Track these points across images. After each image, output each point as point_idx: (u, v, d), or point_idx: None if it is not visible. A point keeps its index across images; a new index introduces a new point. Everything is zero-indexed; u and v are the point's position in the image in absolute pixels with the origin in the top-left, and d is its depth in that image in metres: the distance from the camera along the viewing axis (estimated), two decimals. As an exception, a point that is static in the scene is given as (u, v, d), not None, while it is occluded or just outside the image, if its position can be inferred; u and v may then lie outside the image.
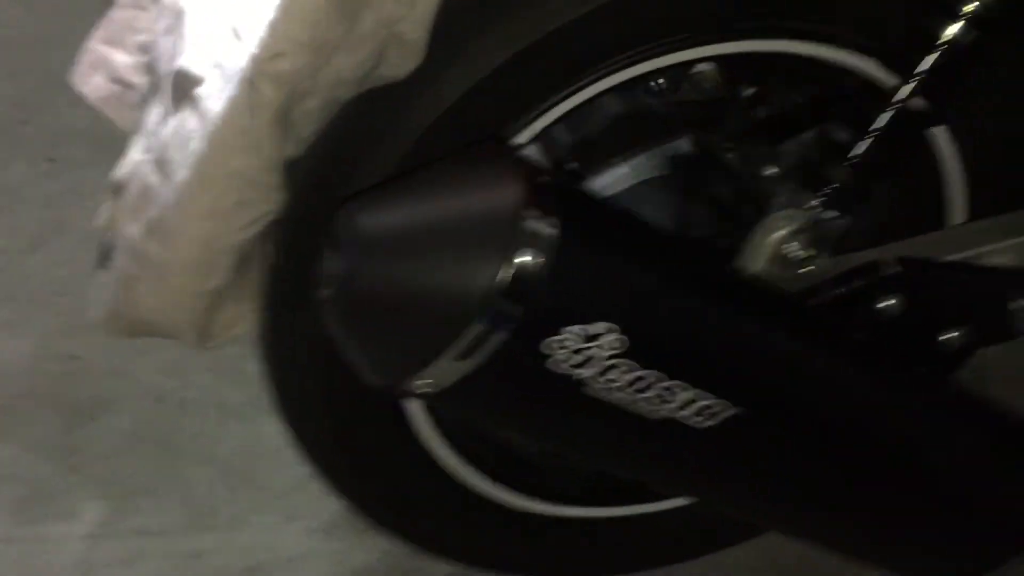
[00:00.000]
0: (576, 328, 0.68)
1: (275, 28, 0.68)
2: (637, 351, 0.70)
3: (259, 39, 0.69)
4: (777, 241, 0.87)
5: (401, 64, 0.76)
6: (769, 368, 0.76)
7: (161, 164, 0.77)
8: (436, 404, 0.74)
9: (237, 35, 0.72)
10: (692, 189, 1.05)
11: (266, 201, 0.76)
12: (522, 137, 0.89)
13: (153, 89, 0.90)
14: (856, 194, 0.86)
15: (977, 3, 0.78)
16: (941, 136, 0.95)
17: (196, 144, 0.73)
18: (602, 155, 1.05)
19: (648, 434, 0.74)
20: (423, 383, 0.70)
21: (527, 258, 0.65)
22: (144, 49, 0.96)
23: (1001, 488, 0.88)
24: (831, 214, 0.86)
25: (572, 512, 1.12)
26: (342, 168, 0.82)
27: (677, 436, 0.75)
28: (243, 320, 0.86)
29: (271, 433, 1.41)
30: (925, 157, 0.97)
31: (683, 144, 1.08)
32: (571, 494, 1.13)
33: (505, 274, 0.65)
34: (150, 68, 0.93)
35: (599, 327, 0.69)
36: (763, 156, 1.07)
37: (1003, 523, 0.89)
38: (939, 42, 0.80)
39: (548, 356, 0.68)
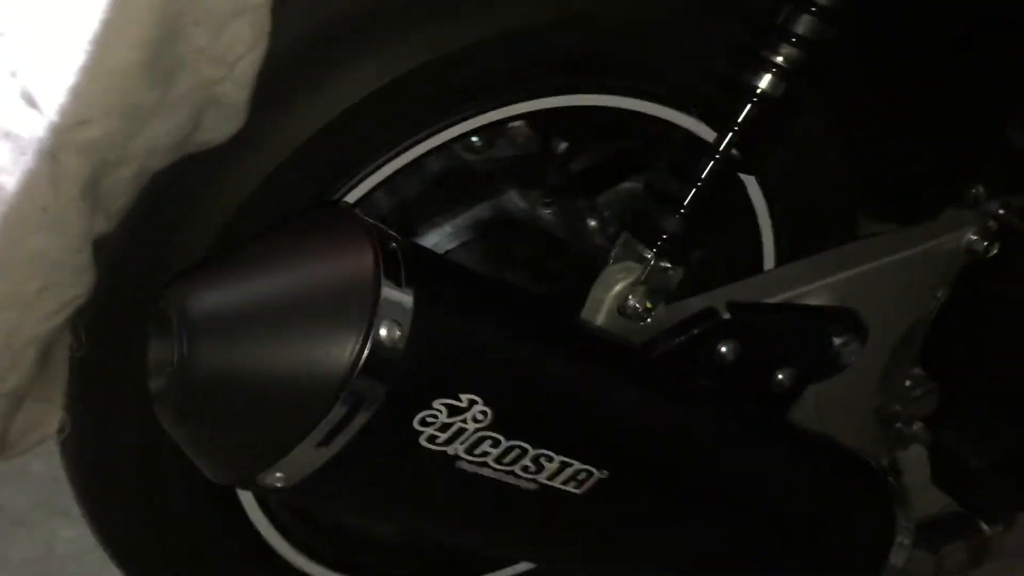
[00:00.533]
0: (442, 401, 0.63)
1: (79, 93, 0.60)
2: (501, 422, 0.66)
3: (60, 105, 0.61)
4: (617, 295, 0.86)
5: (220, 128, 0.69)
6: (626, 428, 0.74)
7: (-61, 252, 0.66)
8: (290, 497, 0.67)
9: (30, 101, 0.63)
10: (513, 248, 1.04)
11: (73, 285, 0.66)
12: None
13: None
14: (688, 242, 0.86)
15: (782, 56, 0.81)
16: (750, 183, 0.99)
17: (-13, 225, 0.63)
18: (423, 216, 1.02)
19: (523, 504, 0.70)
20: (278, 476, 0.63)
21: (386, 332, 0.60)
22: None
23: (843, 516, 0.90)
24: (666, 264, 0.86)
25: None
26: (159, 243, 0.75)
27: (551, 505, 0.71)
28: (45, 424, 0.75)
29: (66, 539, 1.28)
30: (739, 204, 1.00)
31: (507, 200, 1.06)
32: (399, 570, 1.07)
33: (365, 349, 0.60)
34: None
35: (463, 399, 0.64)
36: (582, 209, 1.08)
37: (848, 549, 0.91)
38: (753, 94, 0.82)
39: (419, 433, 0.63)
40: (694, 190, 0.84)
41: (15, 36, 0.66)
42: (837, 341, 0.95)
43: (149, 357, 0.65)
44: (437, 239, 1.01)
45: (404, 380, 0.61)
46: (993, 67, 1.00)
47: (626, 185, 1.05)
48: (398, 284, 0.61)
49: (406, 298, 0.61)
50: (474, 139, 1.06)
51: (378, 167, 0.84)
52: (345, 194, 0.83)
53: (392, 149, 0.84)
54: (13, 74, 0.65)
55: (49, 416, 0.76)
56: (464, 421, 0.65)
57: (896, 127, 1.03)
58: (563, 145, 1.08)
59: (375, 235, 0.63)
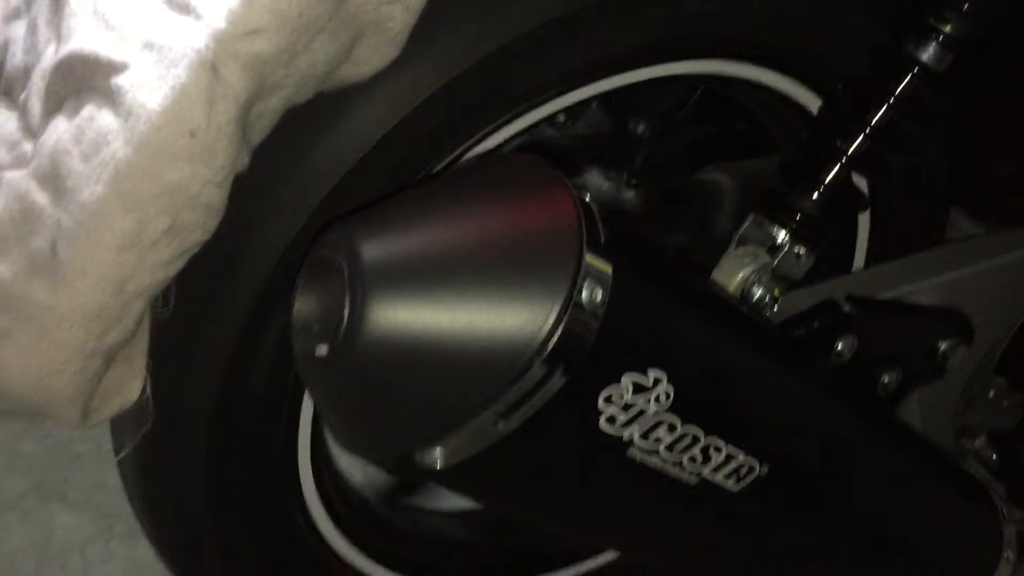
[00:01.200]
0: (631, 376, 0.56)
1: (253, -3, 0.52)
2: (681, 403, 0.60)
3: (229, 10, 0.52)
4: (742, 280, 0.80)
5: (370, 60, 0.62)
6: (793, 421, 0.69)
7: (51, 179, 0.56)
8: (441, 480, 0.59)
9: (183, 6, 0.54)
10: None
11: (201, 227, 0.58)
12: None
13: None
14: (822, 227, 0.81)
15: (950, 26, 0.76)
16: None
17: (116, 149, 0.54)
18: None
19: (682, 499, 0.63)
20: (439, 453, 0.55)
21: (587, 295, 0.53)
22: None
23: (958, 528, 0.86)
24: (799, 249, 0.80)
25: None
26: (275, 189, 0.66)
27: (707, 500, 0.65)
28: (126, 389, 0.66)
29: (63, 526, 1.17)
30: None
31: (589, 178, 1.00)
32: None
33: (566, 312, 0.53)
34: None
35: (651, 376, 0.57)
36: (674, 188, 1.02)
37: (961, 562, 0.86)
38: (916, 65, 0.77)
39: (600, 413, 0.56)
40: (837, 166, 0.79)
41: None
42: (943, 344, 0.90)
43: (297, 313, 0.57)
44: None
45: (599, 349, 0.54)
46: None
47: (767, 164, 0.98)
48: (599, 247, 0.54)
49: (606, 263, 0.54)
50: (559, 116, 0.99)
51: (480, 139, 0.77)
52: (461, 154, 0.76)
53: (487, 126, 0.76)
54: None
55: (131, 381, 0.66)
56: (647, 401, 0.58)
57: (998, 131, 1.00)
58: (641, 126, 1.02)
59: (575, 192, 0.56)
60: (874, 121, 0.78)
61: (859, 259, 1.00)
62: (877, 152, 0.79)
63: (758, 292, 0.80)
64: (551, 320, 0.52)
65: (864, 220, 0.98)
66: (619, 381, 0.56)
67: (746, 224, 0.82)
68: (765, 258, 0.80)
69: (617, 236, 0.57)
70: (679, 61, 0.81)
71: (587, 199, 0.57)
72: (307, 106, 0.62)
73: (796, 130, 0.88)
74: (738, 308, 0.72)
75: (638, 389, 0.57)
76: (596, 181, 1.00)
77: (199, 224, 0.57)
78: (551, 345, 0.53)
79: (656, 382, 0.58)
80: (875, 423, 0.78)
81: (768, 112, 0.90)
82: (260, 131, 0.59)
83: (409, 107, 0.68)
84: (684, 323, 0.60)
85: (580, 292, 0.53)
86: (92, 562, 1.15)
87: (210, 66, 0.52)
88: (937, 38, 0.76)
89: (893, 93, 0.78)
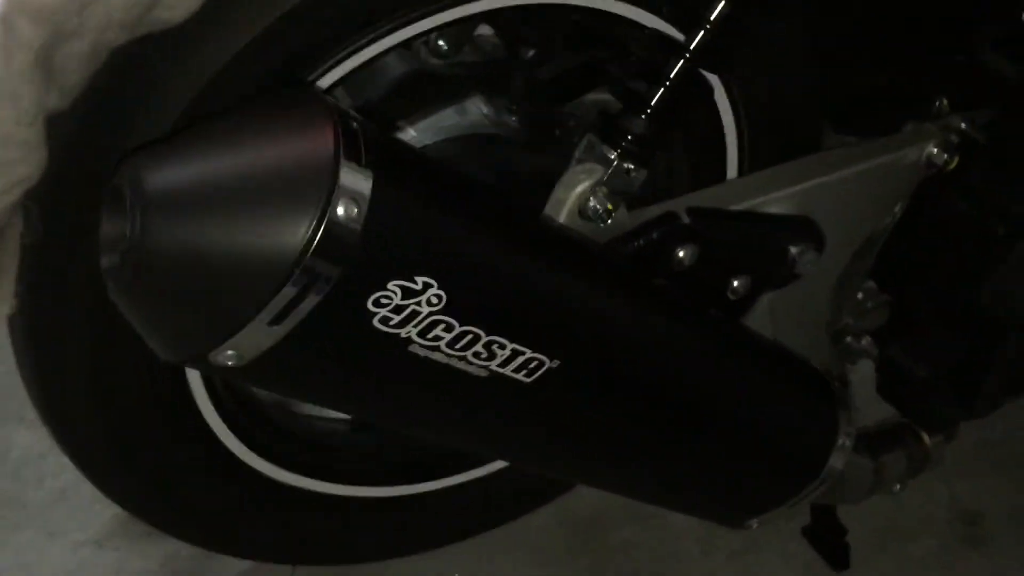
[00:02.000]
0: (397, 283, 0.64)
1: (33, -43, 0.59)
2: (455, 306, 0.67)
3: (13, -30, 0.59)
4: (579, 195, 0.86)
5: (179, 5, 0.68)
6: (580, 318, 0.75)
7: None
8: (242, 377, 0.68)
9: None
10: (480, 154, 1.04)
11: (23, 162, 0.66)
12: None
13: None
14: (652, 144, 0.86)
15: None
16: (718, 92, 0.99)
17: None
18: (387, 118, 1.01)
19: (473, 391, 0.71)
20: (230, 354, 0.63)
21: (343, 211, 0.60)
22: None
23: (787, 416, 0.92)
24: (629, 166, 0.86)
25: (373, 492, 1.08)
26: (115, 123, 0.74)
27: (500, 393, 0.72)
28: (-4, 305, 0.75)
29: (21, 443, 1.28)
30: (706, 112, 1.00)
31: (471, 105, 1.06)
32: (370, 474, 1.09)
33: (321, 229, 0.60)
34: None
35: (418, 282, 0.65)
36: (549, 117, 1.08)
37: (791, 447, 0.93)
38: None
39: (373, 314, 0.63)
40: (661, 90, 0.84)
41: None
42: (794, 250, 0.96)
43: (101, 234, 0.65)
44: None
45: (360, 260, 0.62)
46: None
47: (599, 89, 1.04)
48: (358, 164, 0.61)
49: (365, 178, 0.61)
50: (440, 43, 1.05)
51: (340, 60, 0.83)
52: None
53: (356, 41, 0.83)
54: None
55: (-3, 299, 0.75)
56: (419, 304, 0.65)
57: (863, 40, 1.03)
58: (530, 52, 1.07)
59: (337, 114, 0.62)
60: (692, 45, 0.83)
61: (732, 173, 1.05)
62: (716, 47, 0.84)
63: (593, 205, 0.86)
64: (307, 232, 0.60)
65: (732, 139, 1.03)
66: (386, 287, 0.63)
67: (582, 144, 0.88)
68: (599, 174, 0.87)
69: (384, 152, 0.63)
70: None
71: (353, 119, 0.63)
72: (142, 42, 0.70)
73: (633, 54, 0.93)
74: (532, 220, 0.78)
75: (408, 293, 0.64)
76: (477, 107, 1.06)
77: (21, 159, 0.65)
78: (308, 254, 0.60)
79: (426, 286, 0.65)
80: (691, 321, 0.85)
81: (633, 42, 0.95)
82: (72, 72, 0.66)
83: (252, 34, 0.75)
84: (452, 231, 0.66)
85: (336, 204, 0.60)
86: (45, 474, 1.26)
87: (2, 19, 0.60)
88: None
89: (707, 18, 0.82)
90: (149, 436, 0.92)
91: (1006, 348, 1.00)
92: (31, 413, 0.93)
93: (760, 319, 0.97)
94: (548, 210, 0.87)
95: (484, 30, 1.09)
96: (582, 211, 0.86)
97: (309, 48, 0.80)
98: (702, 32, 0.83)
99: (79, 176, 0.74)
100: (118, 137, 0.73)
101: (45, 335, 0.83)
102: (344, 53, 0.83)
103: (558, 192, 0.87)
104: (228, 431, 0.95)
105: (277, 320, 0.62)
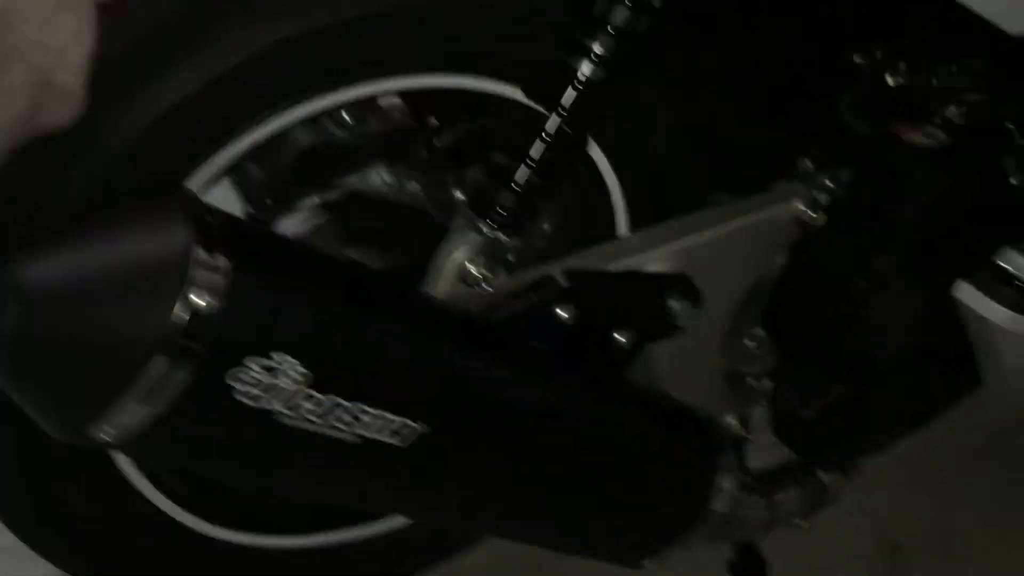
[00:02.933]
0: (257, 360, 0.70)
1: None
2: (314, 378, 0.73)
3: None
4: (456, 263, 0.93)
5: (61, 111, 0.76)
6: (444, 383, 0.81)
7: None
8: (128, 451, 0.74)
9: None
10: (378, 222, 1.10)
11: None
12: (207, 172, 0.91)
13: None
14: (523, 216, 0.93)
15: (601, 46, 0.87)
16: (599, 156, 1.06)
17: None
18: (294, 190, 1.08)
19: (349, 457, 0.77)
20: (107, 431, 0.70)
21: (196, 295, 0.67)
22: None
23: (663, 463, 0.98)
24: (502, 237, 0.93)
25: (289, 542, 1.14)
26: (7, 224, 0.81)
27: (378, 457, 0.78)
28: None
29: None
30: (591, 176, 1.07)
31: (373, 173, 1.13)
32: (285, 523, 1.15)
33: (178, 311, 0.67)
34: None
35: (275, 358, 0.71)
36: (446, 184, 1.15)
37: (669, 503, 0.99)
38: (577, 79, 0.88)
39: (233, 389, 0.70)
40: (522, 167, 0.91)
41: None
42: (673, 305, 1.02)
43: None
44: (306, 212, 1.08)
45: (216, 339, 0.68)
46: (825, 50, 1.08)
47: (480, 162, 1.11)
48: (210, 251, 0.67)
49: (218, 265, 0.68)
50: (344, 115, 1.12)
51: (236, 138, 0.90)
52: (205, 164, 0.90)
53: (250, 123, 0.90)
54: None
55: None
56: (277, 377, 0.72)
57: (732, 101, 1.10)
58: (432, 122, 1.14)
59: (191, 208, 0.69)
60: (551, 129, 0.90)
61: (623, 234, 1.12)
62: (555, 156, 0.91)
63: (472, 272, 0.93)
64: (164, 317, 0.67)
65: (618, 199, 1.10)
66: (242, 363, 0.70)
67: (457, 215, 0.95)
68: (475, 243, 0.93)
69: (238, 239, 0.70)
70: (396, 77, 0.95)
71: (208, 209, 0.70)
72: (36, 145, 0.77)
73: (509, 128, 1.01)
74: (388, 290, 0.84)
75: (267, 369, 0.71)
76: (379, 176, 1.13)
77: None
78: (165, 340, 0.67)
79: (282, 361, 0.71)
80: (563, 377, 0.91)
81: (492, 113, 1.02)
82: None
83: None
84: (306, 307, 0.73)
85: (189, 291, 0.67)
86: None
87: None
88: (588, 55, 0.88)
89: (560, 103, 0.89)
90: (80, 500, 0.98)
91: (879, 393, 1.06)
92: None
93: (650, 369, 1.04)
94: (430, 277, 0.94)
95: (389, 99, 1.16)
96: (463, 278, 0.93)
97: (217, 123, 0.87)
98: (554, 116, 0.90)
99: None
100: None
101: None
102: (249, 128, 0.90)
103: (437, 259, 0.94)
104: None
105: (147, 400, 0.68)
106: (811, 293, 1.08)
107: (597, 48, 0.88)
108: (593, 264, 1.01)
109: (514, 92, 0.99)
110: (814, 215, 1.05)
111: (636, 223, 1.11)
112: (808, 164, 1.06)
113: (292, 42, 0.88)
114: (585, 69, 0.88)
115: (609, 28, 0.87)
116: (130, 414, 0.69)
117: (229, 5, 0.87)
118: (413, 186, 1.14)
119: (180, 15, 0.84)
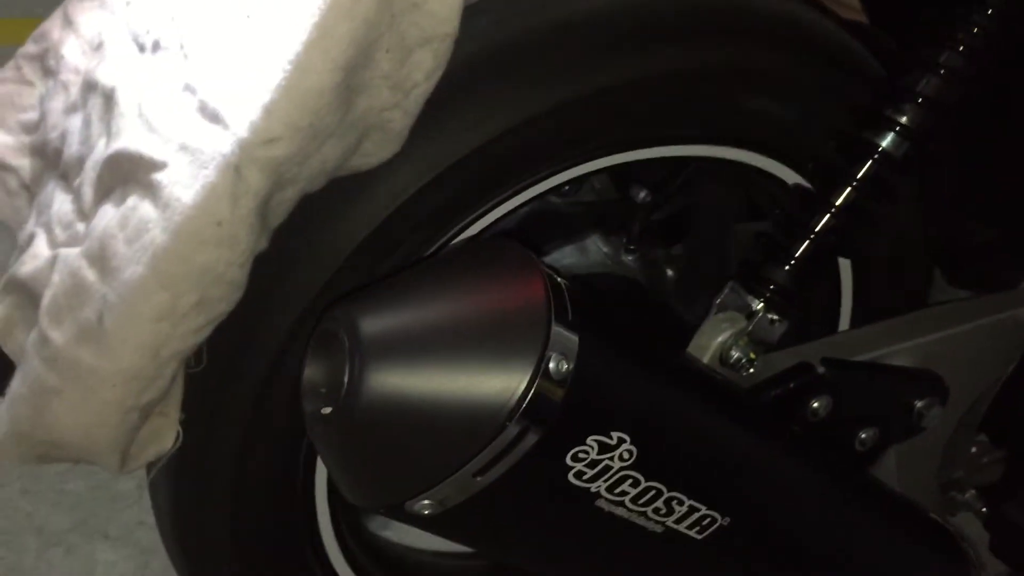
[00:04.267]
0: (595, 437, 0.64)
1: (272, 111, 0.61)
2: (643, 461, 0.67)
3: (251, 122, 0.62)
4: (721, 344, 0.87)
5: (376, 154, 0.71)
6: (749, 475, 0.76)
7: (99, 259, 0.66)
8: (430, 526, 0.67)
9: (213, 116, 0.64)
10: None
11: (225, 300, 0.67)
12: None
13: (48, 173, 0.79)
14: (796, 296, 0.88)
15: (906, 116, 0.83)
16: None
17: (155, 236, 0.63)
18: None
19: (648, 547, 0.71)
20: (427, 503, 0.63)
21: (554, 367, 0.61)
22: (29, 128, 0.84)
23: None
24: (773, 316, 0.88)
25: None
26: (290, 265, 0.75)
27: (672, 548, 0.72)
28: (162, 438, 0.75)
29: (105, 562, 1.26)
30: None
31: (591, 243, 1.08)
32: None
33: (534, 385, 0.61)
34: (39, 149, 0.82)
35: (614, 437, 0.65)
36: (656, 259, 1.10)
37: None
38: (876, 151, 0.84)
39: (570, 468, 0.64)
40: (806, 242, 0.86)
41: (190, 53, 0.67)
42: (919, 403, 0.96)
43: (306, 378, 0.65)
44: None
45: (565, 415, 0.62)
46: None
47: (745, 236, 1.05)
48: (566, 322, 0.62)
49: (573, 336, 0.62)
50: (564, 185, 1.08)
51: (497, 204, 0.85)
52: (464, 228, 0.84)
53: (513, 187, 0.84)
54: (189, 89, 0.66)
55: (166, 430, 0.75)
56: (611, 459, 0.66)
57: (975, 198, 1.06)
58: (642, 193, 1.10)
59: (546, 273, 0.64)
60: (838, 201, 0.86)
61: (844, 325, 1.07)
62: (842, 228, 0.86)
63: (735, 355, 0.87)
64: (522, 387, 0.60)
65: (847, 288, 1.05)
66: (585, 442, 0.64)
67: (724, 292, 0.89)
68: (741, 323, 0.88)
69: (585, 310, 0.65)
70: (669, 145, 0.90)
71: (558, 277, 0.65)
72: (320, 193, 0.72)
73: (777, 202, 0.96)
74: (702, 373, 0.79)
75: (603, 448, 0.65)
76: (597, 245, 1.08)
77: (224, 298, 0.66)
78: (521, 409, 0.61)
79: (620, 441, 0.65)
80: (838, 477, 0.85)
81: (753, 186, 0.97)
82: (278, 217, 0.68)
83: (408, 192, 0.77)
84: (645, 389, 0.68)
85: (548, 362, 0.61)
86: (129, 593, 1.23)
87: (234, 168, 0.61)
88: (894, 128, 0.84)
89: (855, 176, 0.85)
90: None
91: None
92: (115, 529, 0.91)
93: (887, 471, 0.98)
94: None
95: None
96: (723, 359, 0.88)
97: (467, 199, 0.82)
98: (848, 190, 0.86)
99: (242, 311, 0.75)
100: (278, 279, 0.74)
101: (188, 471, 0.82)
102: (489, 206, 0.84)
103: (700, 339, 0.88)
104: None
105: (482, 472, 0.62)
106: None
107: (903, 120, 0.83)
108: (835, 353, 0.95)
109: (780, 168, 0.94)
110: (1059, 318, 1.00)
111: (862, 315, 1.06)
112: (1055, 264, 1.02)
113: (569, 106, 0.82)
114: (888, 142, 0.84)
115: (919, 98, 0.83)
116: (458, 487, 0.62)
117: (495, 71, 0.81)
118: (628, 258, 1.10)
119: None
